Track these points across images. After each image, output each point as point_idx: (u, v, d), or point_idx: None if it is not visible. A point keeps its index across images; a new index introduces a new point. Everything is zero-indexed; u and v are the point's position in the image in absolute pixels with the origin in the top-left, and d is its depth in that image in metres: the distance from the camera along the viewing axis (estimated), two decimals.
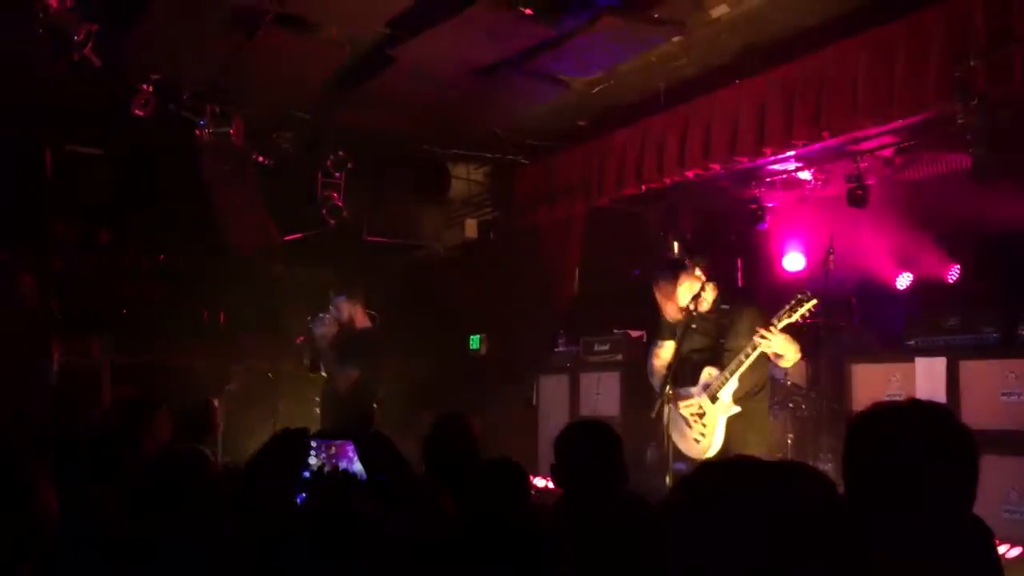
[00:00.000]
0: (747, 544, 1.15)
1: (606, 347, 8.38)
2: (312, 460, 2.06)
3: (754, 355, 4.85)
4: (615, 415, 7.91)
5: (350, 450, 2.04)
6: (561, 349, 8.92)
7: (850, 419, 1.96)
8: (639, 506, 2.24)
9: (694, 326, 5.11)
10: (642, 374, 7.85)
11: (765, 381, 5.18)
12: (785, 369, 6.07)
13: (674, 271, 5.17)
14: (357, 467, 2.04)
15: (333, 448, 2.06)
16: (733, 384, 4.97)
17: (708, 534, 1.17)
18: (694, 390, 5.12)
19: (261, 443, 2.05)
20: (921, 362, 6.05)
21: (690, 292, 5.09)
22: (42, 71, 6.89)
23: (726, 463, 1.31)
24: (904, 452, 1.79)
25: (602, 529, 2.28)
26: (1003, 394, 5.62)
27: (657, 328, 5.44)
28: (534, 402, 8.88)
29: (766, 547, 1.15)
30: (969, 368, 5.83)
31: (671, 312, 5.20)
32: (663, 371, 5.25)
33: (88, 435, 3.27)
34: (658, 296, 5.24)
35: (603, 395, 8.15)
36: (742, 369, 4.91)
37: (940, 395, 5.84)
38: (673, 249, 8.57)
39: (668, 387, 5.16)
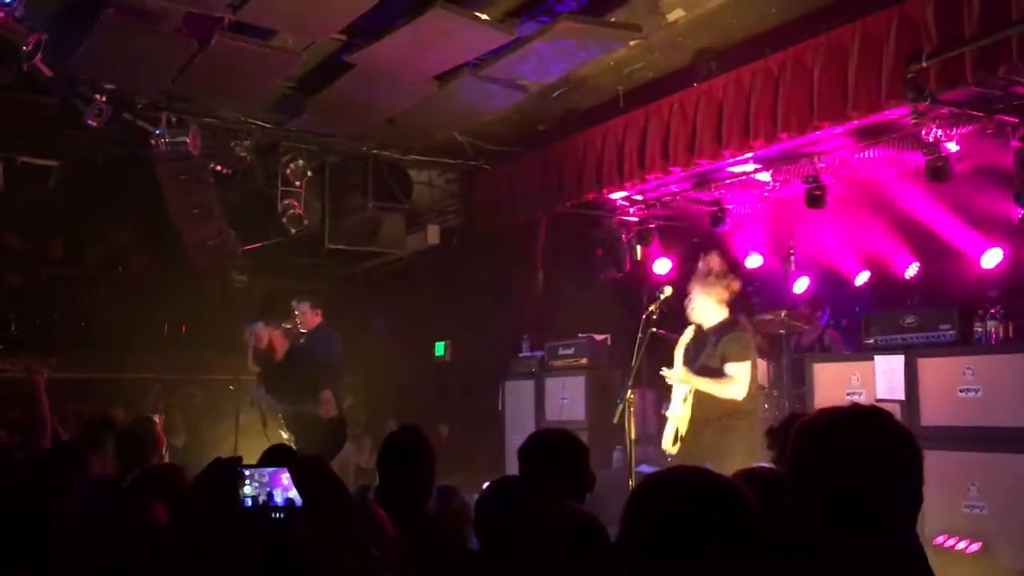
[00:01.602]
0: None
1: (571, 351, 8.38)
2: (247, 489, 2.02)
3: (669, 380, 5.68)
4: (581, 419, 7.93)
5: (284, 477, 2.01)
6: (526, 354, 8.91)
7: (793, 425, 1.94)
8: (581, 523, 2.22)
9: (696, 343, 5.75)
10: (608, 377, 7.93)
11: (740, 407, 5.53)
12: None
13: (711, 280, 5.74)
14: (293, 494, 2.00)
15: (267, 476, 2.02)
16: (683, 391, 5.66)
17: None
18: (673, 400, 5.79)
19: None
20: (880, 360, 6.12)
21: (698, 305, 5.70)
22: None
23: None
24: (844, 472, 1.75)
25: (563, 540, 2.26)
26: (961, 390, 5.69)
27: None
28: (500, 407, 8.86)
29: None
30: (927, 365, 5.90)
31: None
32: None
33: (35, 456, 3.18)
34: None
35: (569, 400, 8.16)
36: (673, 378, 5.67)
37: (899, 392, 5.91)
38: (636, 253, 8.59)
39: (629, 392, 5.30)
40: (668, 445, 5.71)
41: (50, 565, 2.45)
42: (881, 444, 1.77)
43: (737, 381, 5.47)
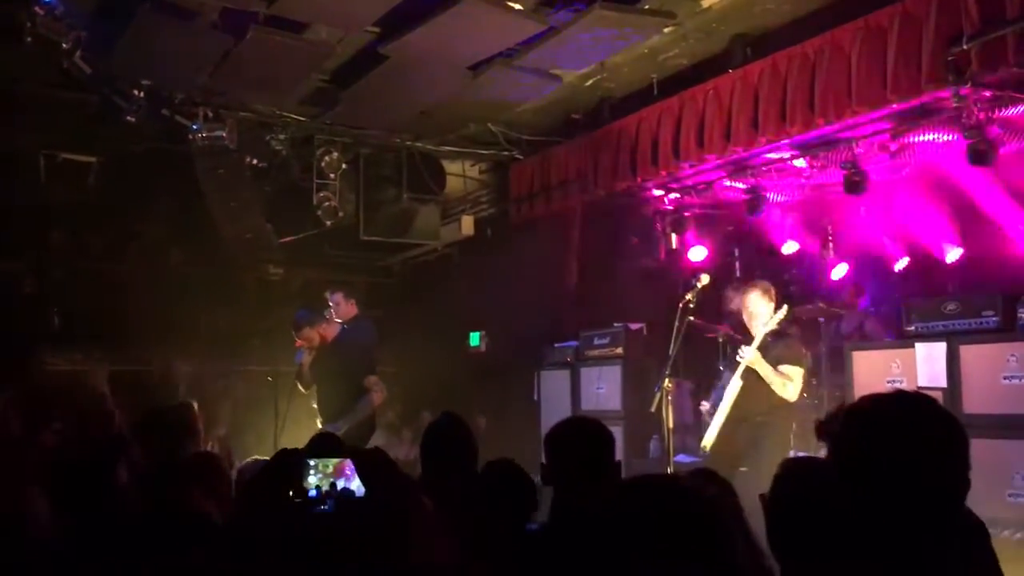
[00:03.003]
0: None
1: (606, 340, 8.35)
2: (311, 479, 2.04)
3: (744, 361, 5.65)
4: (617, 409, 7.90)
5: (348, 468, 2.02)
6: (561, 344, 8.90)
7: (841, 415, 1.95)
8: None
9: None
10: (644, 366, 7.91)
11: (779, 404, 5.63)
12: None
13: (743, 287, 5.94)
14: (355, 484, 2.01)
15: (331, 467, 2.03)
16: (736, 385, 5.68)
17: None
18: (715, 393, 5.91)
19: (263, 451, 2.07)
20: (921, 347, 6.03)
21: (751, 305, 5.76)
22: (33, 80, 6.89)
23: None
24: (894, 449, 1.76)
25: (591, 528, 2.25)
26: (1005, 378, 5.59)
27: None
28: (535, 398, 8.86)
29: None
30: (969, 352, 5.81)
31: (738, 307, 5.98)
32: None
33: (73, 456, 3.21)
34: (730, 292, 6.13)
35: (605, 389, 8.14)
36: (745, 364, 5.63)
37: (941, 380, 5.83)
38: (671, 241, 8.54)
39: (666, 381, 5.31)
40: (709, 441, 5.74)
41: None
42: (928, 423, 1.79)
43: (794, 382, 5.61)
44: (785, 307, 5.71)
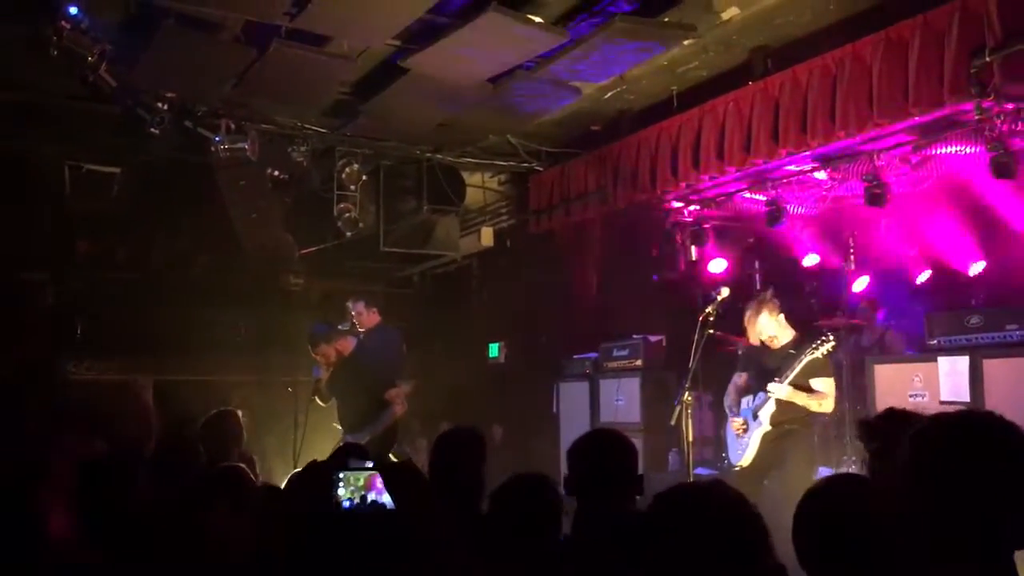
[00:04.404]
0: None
1: (625, 352, 8.34)
2: (340, 491, 2.03)
3: (774, 396, 5.63)
4: (637, 421, 7.88)
5: (377, 481, 2.01)
6: (580, 356, 8.89)
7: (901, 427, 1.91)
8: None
9: (763, 360, 5.85)
10: (663, 379, 7.89)
11: (809, 413, 5.70)
12: None
13: (757, 306, 5.86)
14: (385, 498, 2.01)
15: (361, 480, 2.02)
16: (771, 407, 5.65)
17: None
18: (744, 411, 5.88)
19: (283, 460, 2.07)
20: (944, 361, 5.98)
21: (765, 331, 5.80)
22: (57, 92, 6.98)
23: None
24: (982, 487, 1.69)
25: (615, 539, 2.26)
26: None
27: (739, 359, 6.24)
28: (555, 409, 8.85)
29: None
30: (993, 367, 5.75)
31: (752, 338, 5.92)
32: (735, 396, 6.07)
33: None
34: (746, 323, 5.92)
35: (624, 401, 8.12)
36: (775, 397, 5.64)
37: (964, 395, 5.77)
38: (690, 253, 8.53)
39: (687, 394, 5.33)
40: (747, 460, 5.78)
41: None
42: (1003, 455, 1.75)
43: (829, 396, 5.64)
44: (830, 340, 5.63)
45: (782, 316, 5.80)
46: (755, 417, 5.76)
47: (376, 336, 7.10)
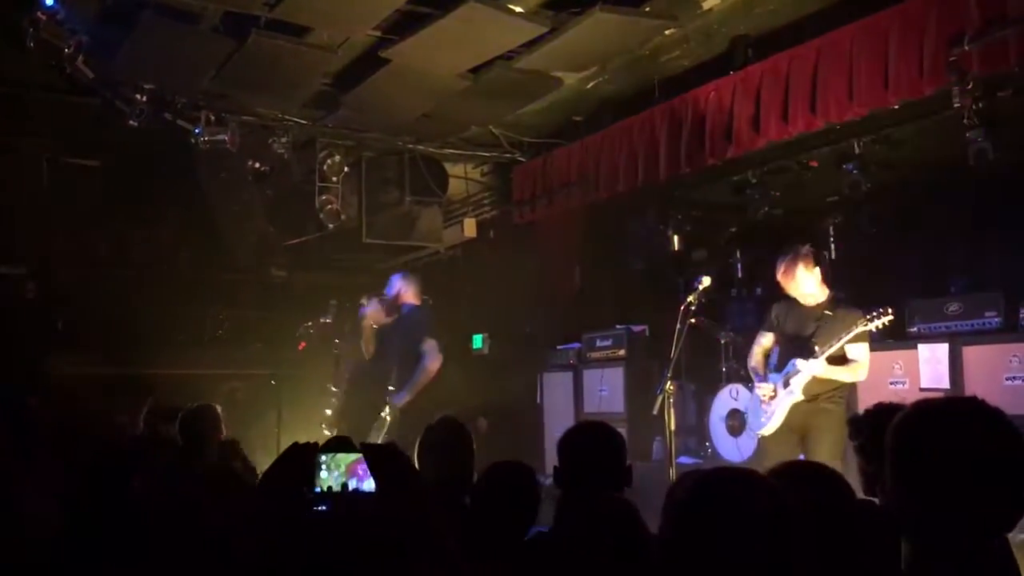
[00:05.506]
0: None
1: (608, 342, 8.36)
2: (323, 476, 1.94)
3: (808, 365, 5.26)
4: (620, 411, 7.90)
5: (361, 467, 1.92)
6: (564, 346, 8.90)
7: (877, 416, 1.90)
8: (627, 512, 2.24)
9: (794, 320, 5.50)
10: (647, 368, 7.89)
11: (843, 384, 5.41)
12: None
13: (793, 258, 5.41)
14: (367, 484, 1.92)
15: (343, 466, 1.93)
16: (805, 377, 5.28)
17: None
18: (773, 376, 5.53)
19: (266, 453, 2.03)
20: (924, 348, 6.03)
21: (802, 286, 5.39)
22: (36, 84, 6.92)
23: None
24: (961, 466, 1.70)
25: (603, 529, 2.27)
26: (1007, 378, 5.60)
27: (763, 319, 5.85)
28: (538, 400, 8.86)
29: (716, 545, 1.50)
30: (972, 353, 5.81)
31: (790, 290, 5.49)
32: (760, 357, 5.71)
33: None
34: (779, 277, 5.51)
35: (608, 392, 8.14)
36: (808, 370, 5.27)
37: (944, 381, 5.83)
38: (673, 243, 8.55)
39: (669, 383, 5.29)
40: (771, 430, 5.48)
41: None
42: (991, 436, 1.76)
43: (863, 364, 5.32)
44: (888, 315, 5.17)
45: (818, 270, 5.41)
46: (786, 385, 5.38)
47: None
